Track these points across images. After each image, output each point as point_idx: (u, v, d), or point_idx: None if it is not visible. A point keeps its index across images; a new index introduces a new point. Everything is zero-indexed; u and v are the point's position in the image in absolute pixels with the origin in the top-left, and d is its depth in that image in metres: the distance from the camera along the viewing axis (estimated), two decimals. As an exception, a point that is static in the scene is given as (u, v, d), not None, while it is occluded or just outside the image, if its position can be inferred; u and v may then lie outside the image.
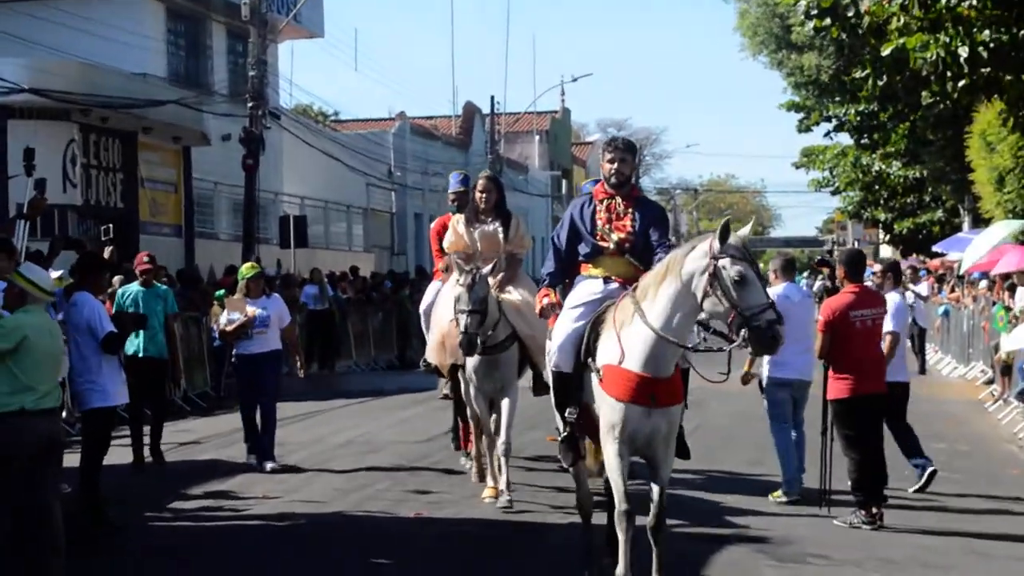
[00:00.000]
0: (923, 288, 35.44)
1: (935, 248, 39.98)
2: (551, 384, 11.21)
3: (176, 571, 12.77)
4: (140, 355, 17.72)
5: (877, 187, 50.67)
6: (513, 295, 14.89)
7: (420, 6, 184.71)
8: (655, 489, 10.15)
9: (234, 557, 13.27)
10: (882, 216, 53.39)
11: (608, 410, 10.11)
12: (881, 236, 55.42)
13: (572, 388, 10.65)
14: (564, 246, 11.24)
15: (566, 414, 10.76)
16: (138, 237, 34.86)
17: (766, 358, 14.25)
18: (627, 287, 10.55)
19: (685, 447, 11.55)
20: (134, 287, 18.35)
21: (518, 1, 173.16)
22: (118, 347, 14.67)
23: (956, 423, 22.46)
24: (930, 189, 49.01)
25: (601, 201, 11.11)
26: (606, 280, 10.93)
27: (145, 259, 18.74)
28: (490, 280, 14.52)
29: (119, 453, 16.32)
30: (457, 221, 15.47)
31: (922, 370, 32.41)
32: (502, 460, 14.75)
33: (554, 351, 10.86)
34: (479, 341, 14.22)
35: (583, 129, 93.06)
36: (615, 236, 10.90)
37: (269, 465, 17.07)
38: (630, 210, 11.03)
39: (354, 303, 37.01)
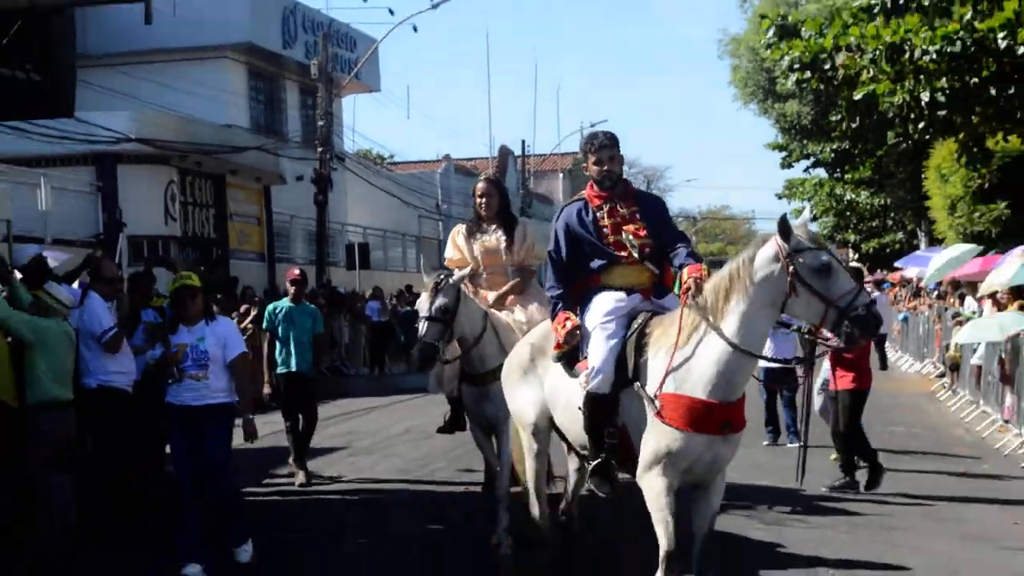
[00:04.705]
0: (881, 299, 35.54)
1: (896, 264, 40.03)
2: (584, 407, 8.42)
3: (273, 535, 12.56)
4: (292, 371, 15.64)
5: (848, 213, 50.65)
6: (517, 314, 11.62)
7: (461, 64, 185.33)
8: (704, 518, 8.17)
9: (318, 523, 13.41)
10: (852, 238, 53.41)
11: (668, 440, 7.79)
12: (851, 255, 55.35)
13: (609, 410, 8.25)
14: (567, 261, 8.84)
15: (606, 436, 8.31)
16: (229, 262, 35.33)
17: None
18: (649, 297, 8.57)
19: None
20: (284, 303, 16.04)
21: (544, 59, 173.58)
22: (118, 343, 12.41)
23: (913, 411, 22.56)
24: (893, 214, 48.97)
25: (600, 207, 8.70)
26: (627, 291, 8.52)
27: (296, 272, 16.38)
28: (487, 292, 11.84)
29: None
30: (457, 232, 12.22)
31: (883, 367, 32.53)
32: (500, 507, 10.99)
33: (595, 372, 8.23)
34: (442, 359, 11.34)
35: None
36: (636, 243, 8.51)
37: (243, 553, 11.12)
38: (634, 210, 8.68)
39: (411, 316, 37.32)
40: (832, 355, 14.76)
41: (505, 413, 10.87)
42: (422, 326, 10.77)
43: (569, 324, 8.59)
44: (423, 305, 10.86)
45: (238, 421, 11.25)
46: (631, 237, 8.53)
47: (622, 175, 8.85)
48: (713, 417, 7.74)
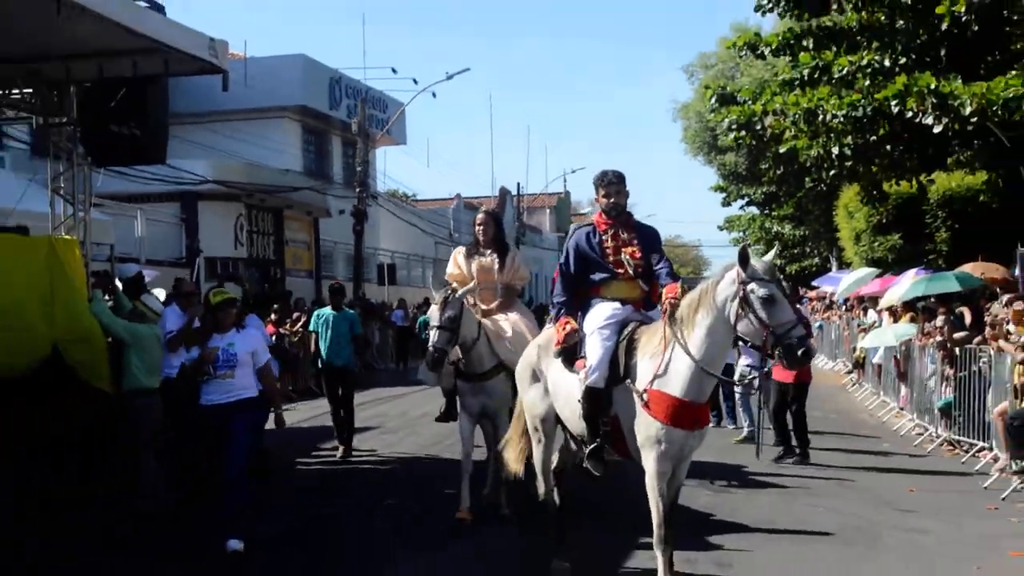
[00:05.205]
0: (803, 309, 35.52)
1: (813, 283, 40.06)
2: (582, 399, 8.13)
3: (315, 498, 12.76)
4: (330, 364, 15.69)
5: (775, 242, 50.82)
6: (502, 323, 11.08)
7: (470, 123, 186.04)
8: (671, 489, 7.89)
9: (356, 486, 13.33)
10: (778, 262, 53.55)
11: (654, 431, 7.58)
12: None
13: (604, 402, 8.00)
14: (574, 274, 8.47)
15: (600, 424, 8.06)
16: (285, 279, 35.39)
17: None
18: (639, 309, 8.32)
19: None
20: (327, 310, 15.97)
21: (536, 120, 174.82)
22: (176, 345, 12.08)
23: (827, 399, 22.49)
24: (810, 243, 49.03)
25: (605, 231, 8.37)
26: (621, 302, 8.27)
27: (335, 285, 16.74)
28: (480, 304, 11.23)
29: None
30: (458, 253, 11.75)
31: (805, 364, 32.36)
32: (467, 480, 11.00)
33: (592, 369, 7.98)
34: (448, 360, 10.65)
35: (578, 204, 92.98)
36: (632, 263, 8.26)
37: (232, 544, 9.58)
38: (633, 236, 8.37)
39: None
40: None
41: (501, 405, 10.73)
42: (434, 334, 10.33)
43: (568, 327, 8.29)
44: (434, 316, 10.44)
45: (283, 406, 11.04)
46: (629, 258, 8.26)
47: (626, 207, 8.51)
48: (687, 414, 7.52)
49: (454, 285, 10.96)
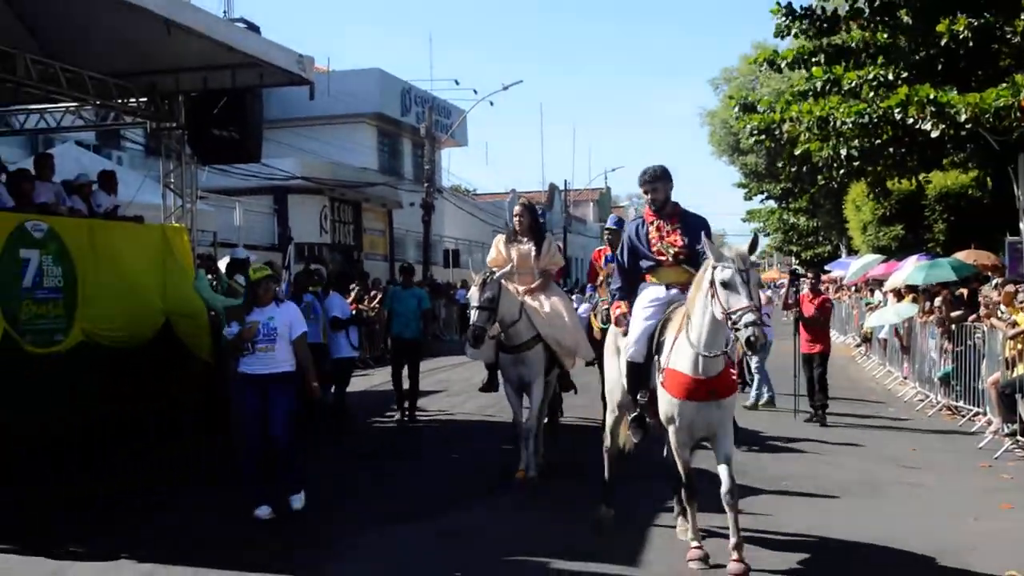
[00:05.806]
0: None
1: (826, 268, 39.68)
2: (625, 372, 7.98)
3: (390, 452, 12.80)
4: (400, 336, 15.21)
5: (791, 232, 50.36)
6: (541, 302, 10.58)
7: (523, 126, 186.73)
8: (722, 467, 7.36)
9: (427, 443, 13.42)
10: (794, 249, 53.19)
11: (668, 405, 7.34)
12: (794, 261, 54.79)
13: (643, 376, 7.77)
14: (627, 264, 8.20)
15: (638, 397, 7.86)
16: (363, 262, 35.48)
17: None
18: (685, 291, 7.70)
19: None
20: (398, 288, 15.74)
21: (581, 124, 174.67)
22: (343, 326, 13.74)
23: (839, 370, 22.11)
24: (822, 233, 48.58)
25: (652, 222, 8.00)
26: (668, 287, 7.91)
27: (406, 265, 16.37)
28: (518, 287, 10.67)
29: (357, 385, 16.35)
30: (499, 240, 11.09)
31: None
32: (530, 442, 10.55)
33: (630, 345, 7.82)
34: (488, 336, 10.19)
35: (617, 198, 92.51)
36: (672, 250, 7.87)
37: (295, 502, 9.13)
38: (676, 226, 7.93)
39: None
40: (803, 327, 14.91)
41: (536, 372, 10.43)
42: (473, 314, 9.96)
43: (618, 311, 8.10)
44: (474, 296, 10.03)
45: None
46: (669, 246, 7.84)
47: (668, 199, 8.02)
48: (699, 389, 7.16)
49: (493, 268, 10.45)
